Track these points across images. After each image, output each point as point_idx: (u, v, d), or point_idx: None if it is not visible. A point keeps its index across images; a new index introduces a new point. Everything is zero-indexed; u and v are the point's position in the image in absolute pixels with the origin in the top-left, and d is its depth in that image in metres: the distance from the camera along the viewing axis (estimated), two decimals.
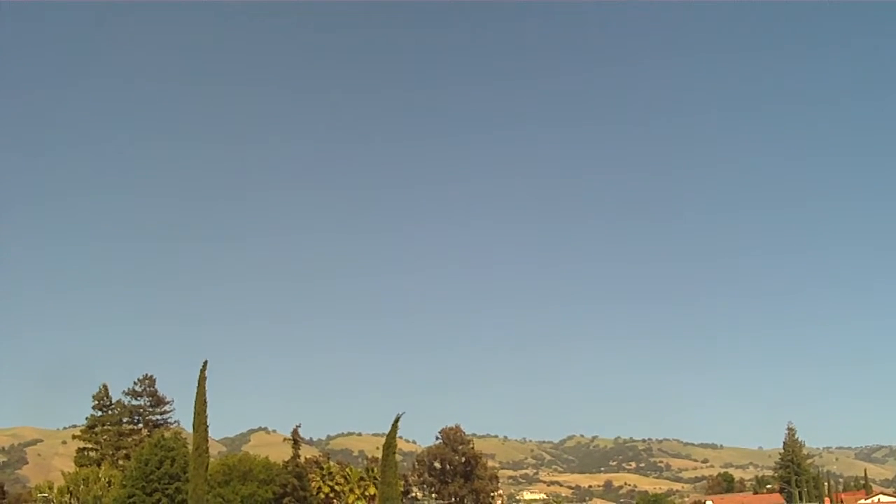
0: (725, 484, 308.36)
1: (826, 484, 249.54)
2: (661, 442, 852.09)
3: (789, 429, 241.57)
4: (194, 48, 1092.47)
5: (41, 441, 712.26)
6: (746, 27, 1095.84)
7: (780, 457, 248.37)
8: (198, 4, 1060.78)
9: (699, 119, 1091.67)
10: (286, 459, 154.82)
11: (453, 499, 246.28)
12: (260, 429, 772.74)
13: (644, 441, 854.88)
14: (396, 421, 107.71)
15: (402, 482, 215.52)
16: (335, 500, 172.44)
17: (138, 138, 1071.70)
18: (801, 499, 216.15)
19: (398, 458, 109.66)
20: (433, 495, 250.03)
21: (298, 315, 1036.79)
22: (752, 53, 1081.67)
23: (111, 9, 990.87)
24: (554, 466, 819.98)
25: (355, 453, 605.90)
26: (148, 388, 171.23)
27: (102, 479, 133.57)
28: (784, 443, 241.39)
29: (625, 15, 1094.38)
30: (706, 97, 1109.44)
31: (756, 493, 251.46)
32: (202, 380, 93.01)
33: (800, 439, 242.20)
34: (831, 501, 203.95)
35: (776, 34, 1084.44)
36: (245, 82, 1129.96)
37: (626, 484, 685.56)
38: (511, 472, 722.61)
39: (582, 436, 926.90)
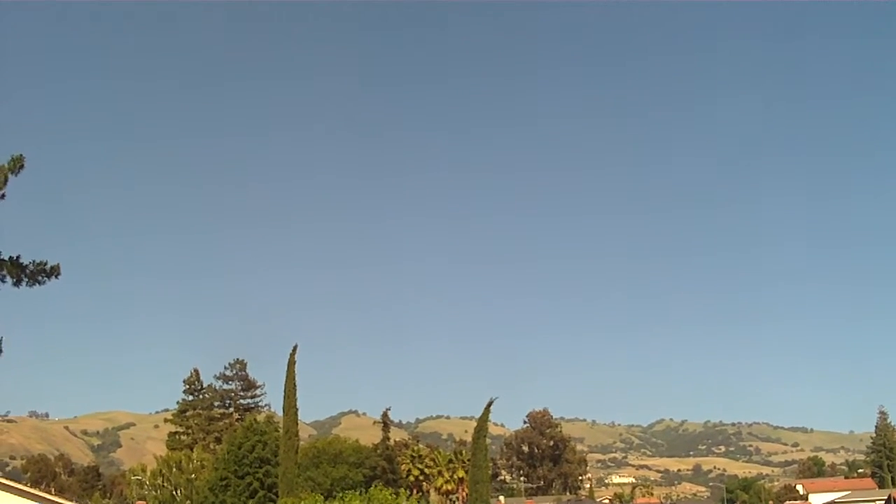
0: (816, 468, 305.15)
1: None
2: (750, 426, 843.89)
3: (881, 412, 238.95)
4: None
5: (134, 425, 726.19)
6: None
7: (871, 441, 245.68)
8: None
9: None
10: (376, 442, 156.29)
11: (542, 482, 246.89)
12: (350, 412, 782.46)
13: (733, 425, 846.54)
14: (489, 406, 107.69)
15: (491, 466, 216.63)
16: (424, 483, 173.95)
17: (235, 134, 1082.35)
18: (893, 483, 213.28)
19: (486, 441, 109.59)
20: (522, 479, 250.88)
21: (389, 300, 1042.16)
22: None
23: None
24: (643, 450, 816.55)
25: (444, 436, 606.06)
26: (239, 373, 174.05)
27: (195, 462, 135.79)
28: (876, 427, 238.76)
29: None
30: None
31: (847, 477, 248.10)
32: (292, 363, 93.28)
33: (892, 423, 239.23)
34: None
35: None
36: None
37: (715, 468, 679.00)
38: (599, 456, 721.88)
39: (671, 419, 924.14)
